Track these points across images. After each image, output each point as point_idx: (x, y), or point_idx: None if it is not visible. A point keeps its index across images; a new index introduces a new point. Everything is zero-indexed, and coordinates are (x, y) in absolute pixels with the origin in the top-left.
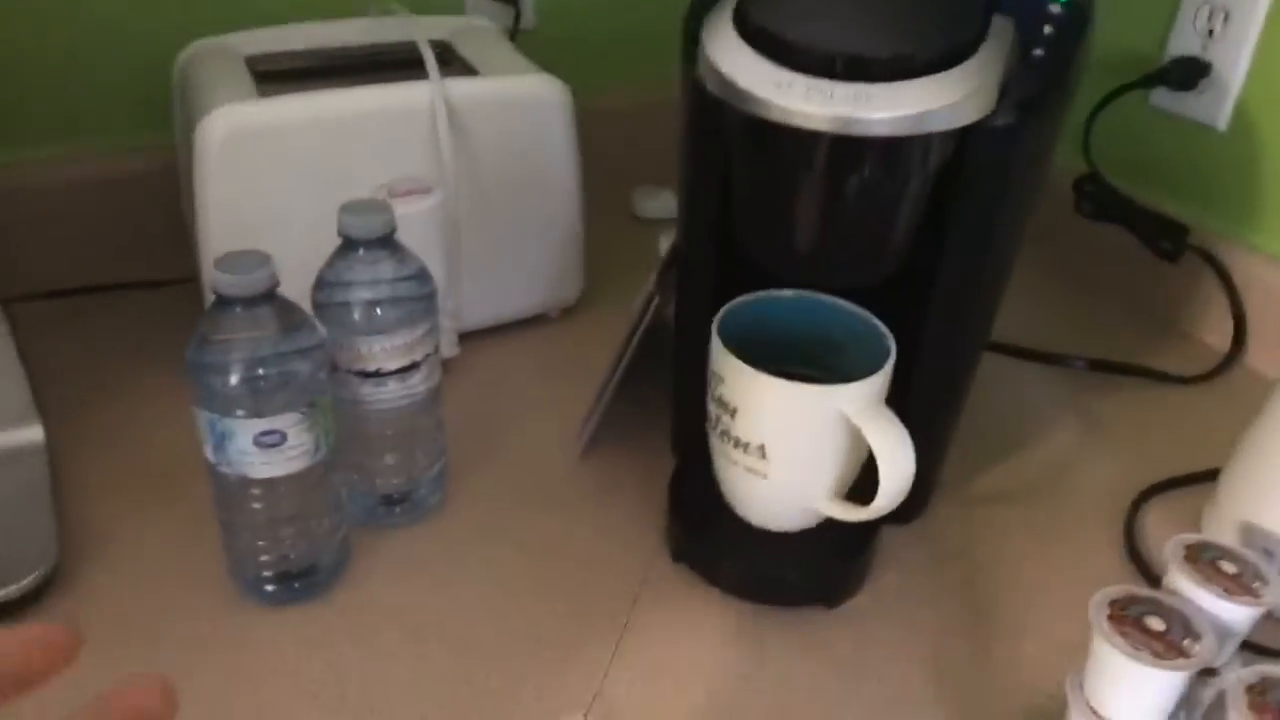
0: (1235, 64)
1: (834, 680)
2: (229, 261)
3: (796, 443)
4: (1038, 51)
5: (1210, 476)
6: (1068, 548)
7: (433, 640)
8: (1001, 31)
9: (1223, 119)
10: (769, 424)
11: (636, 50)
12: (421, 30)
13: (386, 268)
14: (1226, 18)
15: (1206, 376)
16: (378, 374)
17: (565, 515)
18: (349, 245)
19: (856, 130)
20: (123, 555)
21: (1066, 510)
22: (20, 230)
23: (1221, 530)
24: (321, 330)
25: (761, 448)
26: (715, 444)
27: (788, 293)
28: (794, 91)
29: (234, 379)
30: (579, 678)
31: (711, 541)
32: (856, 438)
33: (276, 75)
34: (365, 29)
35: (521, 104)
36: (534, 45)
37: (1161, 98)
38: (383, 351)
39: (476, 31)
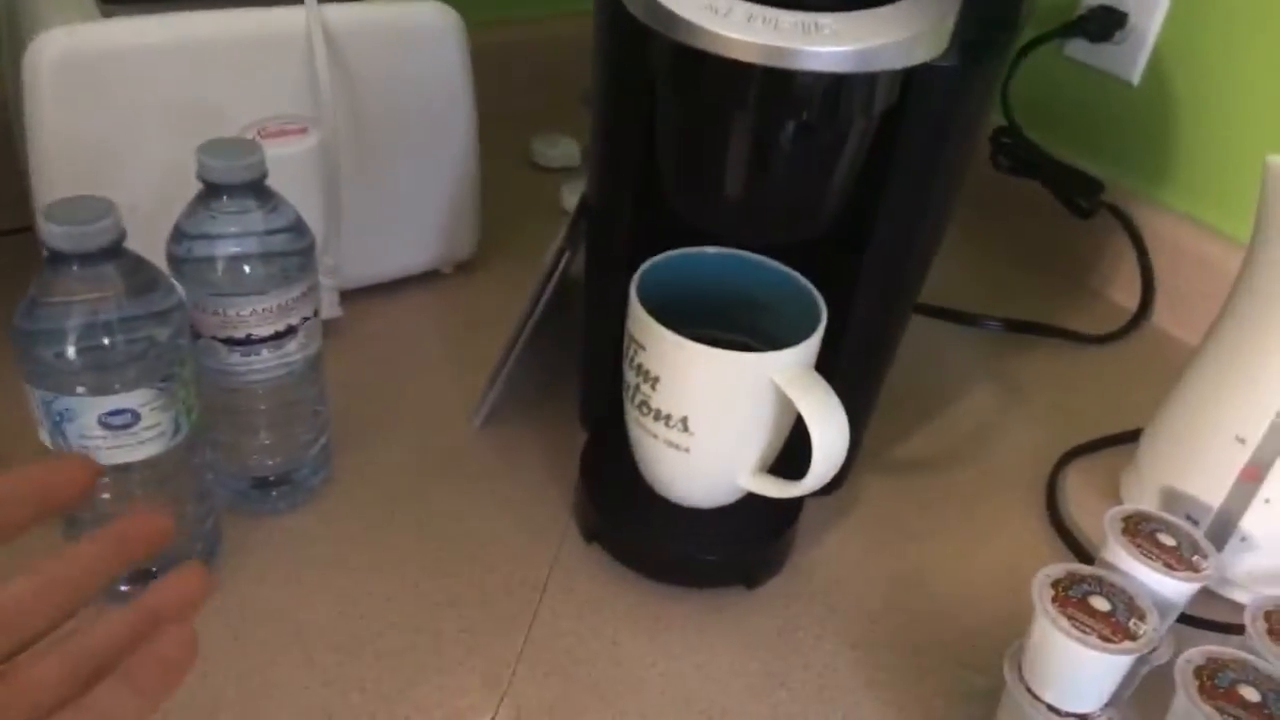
0: (1151, 14)
1: (758, 667)
2: (62, 210)
3: (723, 415)
4: None
5: (1126, 439)
6: (991, 515)
7: (318, 641)
8: None
9: (1137, 72)
10: (694, 395)
11: None
12: None
13: (256, 218)
14: None
15: (1115, 336)
16: (248, 341)
17: (465, 494)
18: (211, 192)
19: (805, 64)
20: None
21: (987, 476)
22: None
23: (1143, 495)
24: (179, 291)
25: (685, 420)
26: (633, 415)
27: (711, 250)
28: (733, 18)
29: (71, 350)
30: (484, 677)
31: (627, 521)
32: (785, 408)
33: None
34: None
35: (409, 32)
36: None
37: (1077, 49)
38: (253, 315)
39: None
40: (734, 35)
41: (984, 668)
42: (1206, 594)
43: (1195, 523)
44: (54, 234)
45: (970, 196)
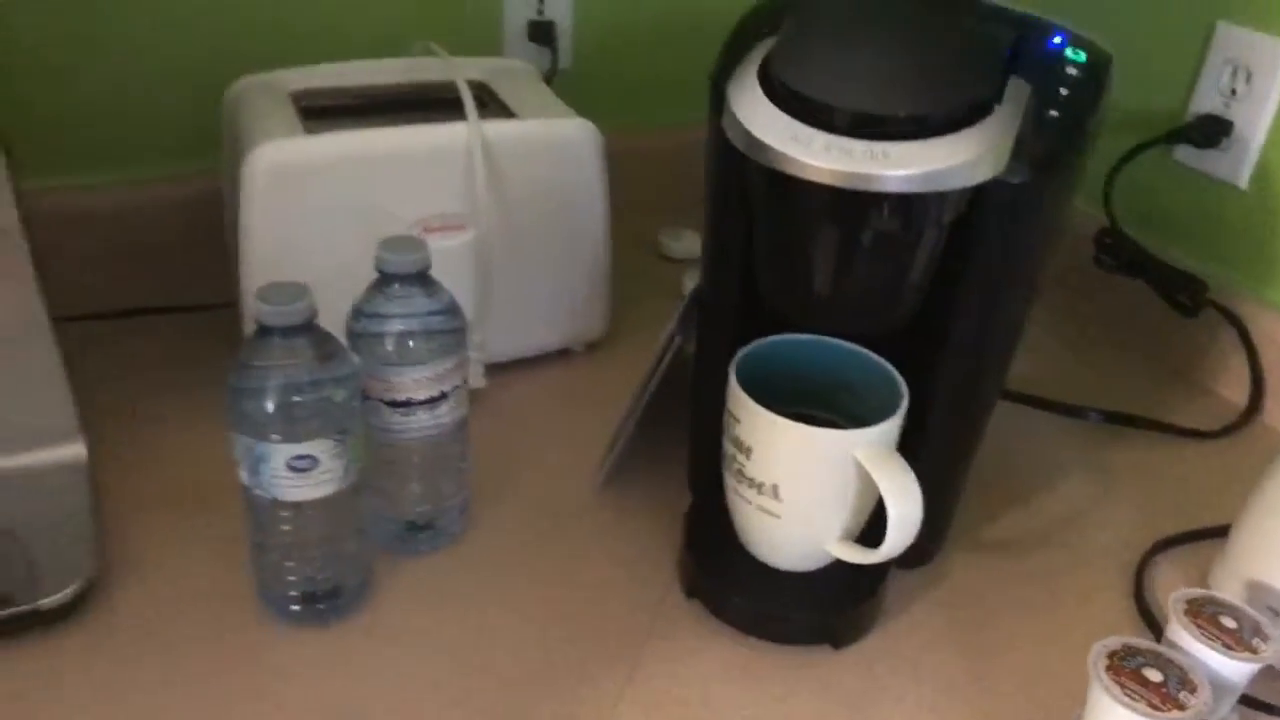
0: (1257, 123)
1: (840, 716)
2: (270, 292)
3: (809, 484)
4: (1052, 112)
5: (1222, 533)
6: (1076, 598)
7: (450, 665)
8: (1017, 92)
9: (1244, 177)
10: (783, 465)
11: (668, 93)
12: (461, 71)
13: (420, 302)
14: (1249, 78)
15: (1223, 432)
16: (407, 404)
17: (583, 546)
18: (385, 280)
19: (872, 186)
20: (157, 571)
21: (1077, 561)
22: (66, 252)
23: (1229, 587)
24: (355, 360)
25: (775, 488)
26: (730, 483)
27: (804, 337)
28: (813, 147)
29: (270, 405)
30: (591, 707)
31: (723, 578)
32: (868, 481)
33: (320, 111)
34: (407, 68)
35: (555, 146)
36: (569, 86)
37: (1185, 154)
38: (413, 382)
39: (514, 73)
40: (813, 162)
41: None
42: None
43: (1277, 614)
44: (264, 311)
45: (1080, 293)
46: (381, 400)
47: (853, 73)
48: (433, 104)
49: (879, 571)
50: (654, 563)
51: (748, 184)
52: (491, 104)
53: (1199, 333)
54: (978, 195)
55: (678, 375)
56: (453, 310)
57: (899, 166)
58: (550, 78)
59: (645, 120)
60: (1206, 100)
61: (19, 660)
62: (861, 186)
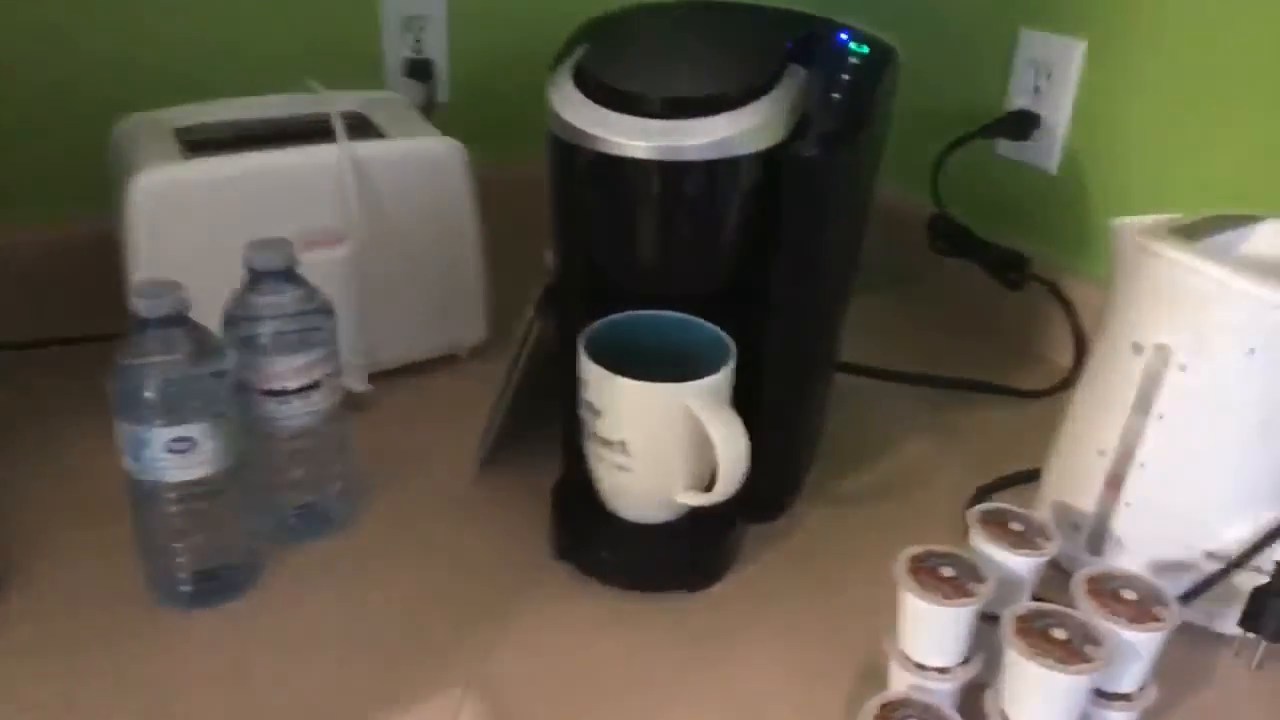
0: (1059, 115)
1: (690, 651)
2: (145, 288)
3: (652, 437)
4: (835, 95)
5: (1036, 475)
6: (912, 539)
7: (332, 638)
8: (793, 75)
9: (1054, 163)
10: (626, 421)
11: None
12: (335, 103)
13: (288, 298)
14: (1049, 75)
15: (1052, 391)
16: (282, 392)
17: (460, 528)
18: (255, 277)
19: (666, 156)
20: (57, 570)
21: (913, 510)
22: None
23: (1041, 511)
24: (230, 352)
25: (624, 443)
26: (587, 445)
27: (646, 312)
28: (617, 128)
29: (149, 391)
30: (465, 657)
31: (588, 537)
32: (704, 430)
33: (202, 144)
34: (288, 103)
35: (422, 163)
36: (451, 118)
37: (1004, 147)
38: (285, 372)
39: (388, 103)
40: (616, 139)
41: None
42: None
43: (1078, 528)
44: (139, 305)
45: (918, 276)
46: (259, 390)
47: (644, 66)
48: (311, 133)
49: (728, 521)
50: (527, 534)
51: (574, 171)
52: (365, 130)
53: (1026, 304)
54: (775, 167)
55: (542, 361)
56: (320, 304)
57: (681, 139)
58: (428, 110)
59: (529, 147)
60: (1018, 97)
61: None
62: (656, 157)
